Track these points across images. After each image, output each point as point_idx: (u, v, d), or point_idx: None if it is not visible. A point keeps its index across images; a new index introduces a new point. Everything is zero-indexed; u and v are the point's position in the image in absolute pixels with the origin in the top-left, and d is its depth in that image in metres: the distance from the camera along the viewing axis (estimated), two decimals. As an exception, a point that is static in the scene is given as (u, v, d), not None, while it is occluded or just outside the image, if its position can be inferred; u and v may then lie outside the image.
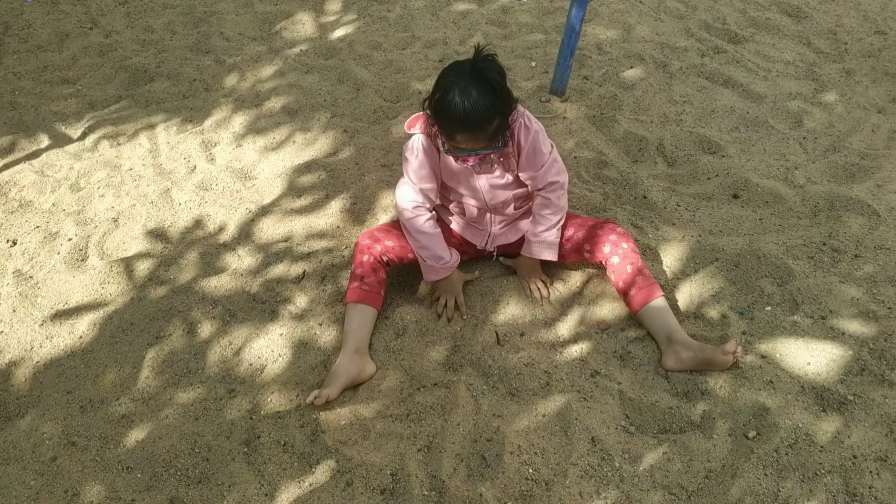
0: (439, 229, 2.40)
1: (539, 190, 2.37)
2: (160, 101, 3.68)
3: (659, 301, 2.31)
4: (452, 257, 2.41)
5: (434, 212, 2.43)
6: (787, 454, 1.96)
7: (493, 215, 2.49)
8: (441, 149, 2.23)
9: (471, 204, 2.44)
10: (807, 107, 3.43)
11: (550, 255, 2.42)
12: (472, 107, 1.98)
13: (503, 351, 2.31)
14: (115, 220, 2.96)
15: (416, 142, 2.32)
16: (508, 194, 2.41)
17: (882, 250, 2.56)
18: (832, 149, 3.14)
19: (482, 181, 2.36)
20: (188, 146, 3.34)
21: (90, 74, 3.93)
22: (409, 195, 2.36)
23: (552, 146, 2.35)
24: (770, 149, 3.14)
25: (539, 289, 2.47)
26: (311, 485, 1.99)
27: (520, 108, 2.23)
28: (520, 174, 2.36)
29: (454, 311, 2.44)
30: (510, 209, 2.46)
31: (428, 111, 2.13)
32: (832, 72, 3.72)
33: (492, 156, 2.28)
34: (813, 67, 3.75)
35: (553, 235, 2.40)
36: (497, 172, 2.34)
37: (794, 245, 2.61)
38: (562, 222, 2.42)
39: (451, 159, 2.29)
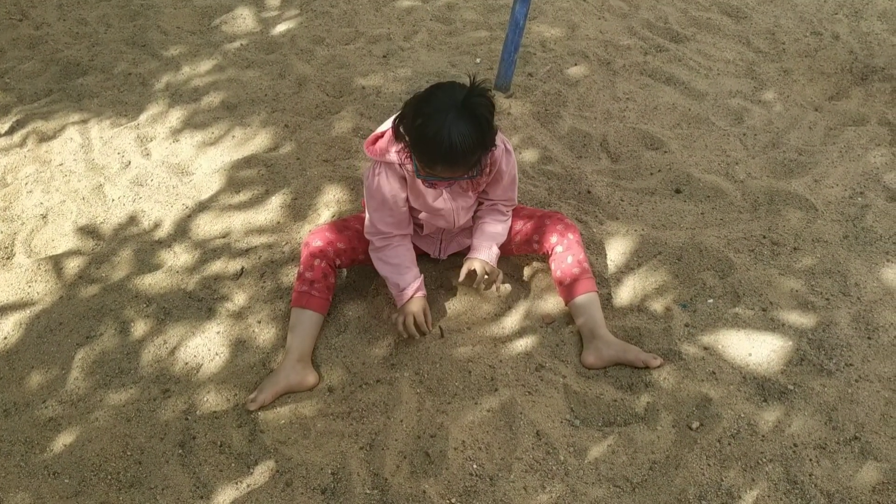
0: (403, 256, 2.29)
1: (493, 203, 2.37)
2: (93, 94, 3.54)
3: (588, 296, 2.29)
4: (411, 286, 2.25)
5: (404, 237, 2.32)
6: (729, 444, 1.96)
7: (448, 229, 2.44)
8: (412, 172, 2.09)
9: (432, 223, 2.36)
10: (746, 104, 3.48)
11: (491, 257, 2.32)
12: (460, 142, 1.85)
13: (447, 346, 2.27)
14: (44, 216, 2.83)
15: (377, 180, 2.16)
16: (470, 214, 2.39)
17: (819, 243, 2.60)
18: (771, 145, 3.19)
19: (453, 204, 2.27)
20: (122, 141, 3.22)
21: (19, 67, 3.77)
22: (371, 228, 2.26)
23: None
24: (711, 145, 3.17)
25: (489, 279, 2.33)
26: (248, 486, 1.92)
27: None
28: (487, 190, 2.32)
29: (413, 329, 2.23)
30: (467, 223, 2.44)
31: (405, 137, 1.96)
32: (771, 71, 3.78)
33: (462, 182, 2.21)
34: (752, 66, 3.81)
35: (499, 238, 2.37)
36: (467, 197, 2.29)
37: (735, 238, 2.63)
38: (504, 234, 2.40)
39: (419, 184, 2.17)
